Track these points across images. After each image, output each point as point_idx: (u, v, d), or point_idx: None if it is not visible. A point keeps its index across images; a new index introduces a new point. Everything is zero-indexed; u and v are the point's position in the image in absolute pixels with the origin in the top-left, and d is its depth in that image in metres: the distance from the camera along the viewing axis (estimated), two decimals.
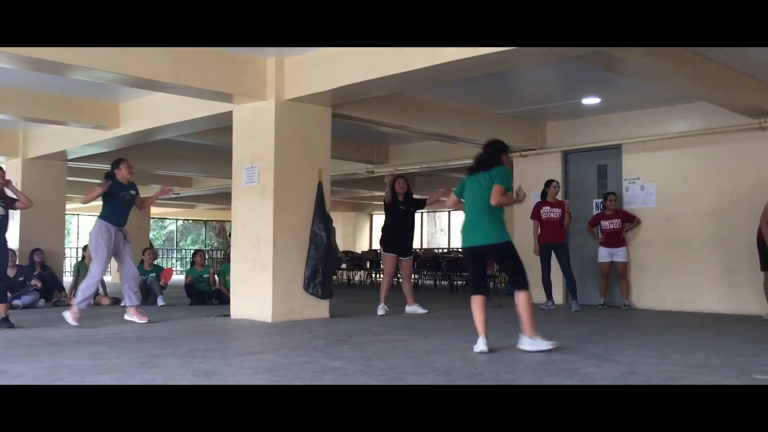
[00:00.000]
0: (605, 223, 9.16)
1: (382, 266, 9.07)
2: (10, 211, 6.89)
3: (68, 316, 6.82)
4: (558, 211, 8.92)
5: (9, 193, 6.82)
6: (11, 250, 9.41)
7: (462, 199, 5.28)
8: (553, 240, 8.88)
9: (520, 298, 5.03)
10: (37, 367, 4.26)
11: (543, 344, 5.00)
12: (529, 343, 5.01)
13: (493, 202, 4.99)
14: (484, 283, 5.40)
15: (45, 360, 4.54)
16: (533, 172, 10.39)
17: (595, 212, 9.61)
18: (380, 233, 8.59)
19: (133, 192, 7.28)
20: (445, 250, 18.57)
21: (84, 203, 7.00)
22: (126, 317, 7.17)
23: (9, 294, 8.86)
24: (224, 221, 27.27)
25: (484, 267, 5.37)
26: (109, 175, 7.27)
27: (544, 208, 8.99)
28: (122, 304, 9.47)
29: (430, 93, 8.81)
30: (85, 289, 6.91)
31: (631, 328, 6.96)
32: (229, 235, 15.11)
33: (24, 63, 6.28)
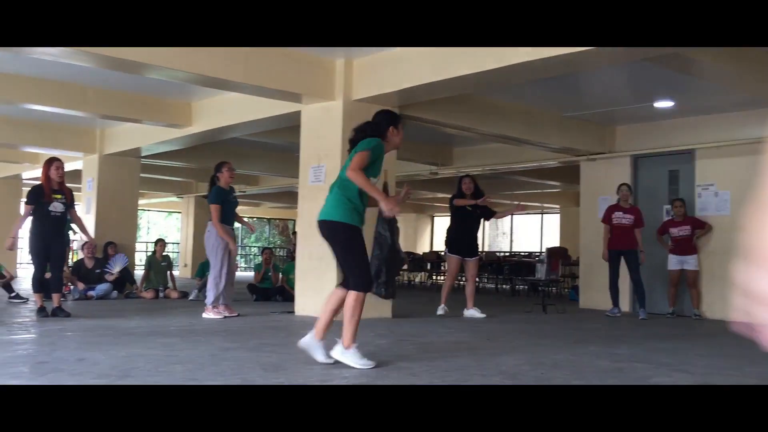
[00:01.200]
0: (674, 231, 8.90)
1: (444, 267, 9.07)
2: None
3: (208, 315, 7.14)
4: (630, 217, 8.71)
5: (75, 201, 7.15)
6: (91, 243, 9.80)
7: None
8: (623, 246, 8.68)
9: (347, 298, 4.30)
10: (113, 355, 4.41)
11: (357, 361, 4.18)
12: (340, 352, 4.23)
13: (348, 172, 4.14)
14: (342, 274, 4.52)
15: (121, 349, 4.70)
16: (601, 176, 10.20)
17: (665, 219, 9.36)
18: (446, 234, 8.57)
19: (236, 194, 7.44)
20: (507, 254, 18.39)
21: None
22: (206, 315, 7.23)
23: (83, 285, 9.24)
24: (287, 219, 27.65)
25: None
26: (213, 180, 7.41)
27: (616, 213, 8.80)
28: (189, 298, 9.74)
29: (497, 94, 8.74)
30: (211, 288, 7.19)
31: (703, 338, 6.74)
32: (293, 234, 15.32)
33: (104, 62, 6.52)
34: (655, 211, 9.61)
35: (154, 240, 11.97)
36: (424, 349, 5.19)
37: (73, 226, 8.05)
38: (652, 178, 9.88)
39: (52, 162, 6.99)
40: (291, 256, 11.76)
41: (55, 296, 6.92)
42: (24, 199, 7.04)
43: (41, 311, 6.81)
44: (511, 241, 22.07)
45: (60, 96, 8.78)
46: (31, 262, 7.09)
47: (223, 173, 7.35)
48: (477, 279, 14.81)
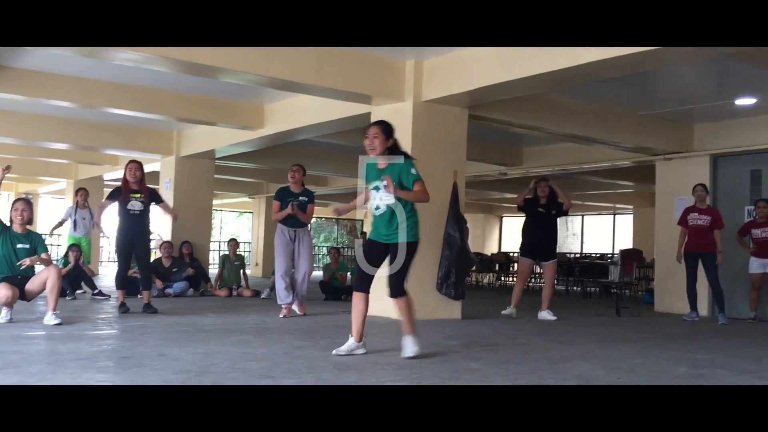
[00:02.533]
0: (756, 232, 8.55)
1: (513, 269, 8.99)
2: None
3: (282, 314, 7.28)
4: (707, 218, 8.43)
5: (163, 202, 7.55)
6: (168, 242, 10.15)
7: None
8: (700, 248, 8.40)
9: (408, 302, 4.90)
10: (192, 351, 4.55)
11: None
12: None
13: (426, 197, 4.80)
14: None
15: (199, 346, 4.85)
16: (678, 176, 9.90)
17: (746, 220, 9.00)
18: (521, 237, 8.48)
19: (303, 198, 7.39)
20: (578, 255, 18.05)
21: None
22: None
23: (161, 282, 9.56)
24: (355, 220, 27.88)
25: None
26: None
27: (691, 214, 8.53)
28: (262, 296, 9.94)
29: (568, 93, 8.60)
30: (273, 287, 7.54)
31: None
32: (361, 234, 15.42)
33: (181, 66, 6.73)
34: (736, 212, 9.27)
35: (228, 239, 12.25)
36: (494, 351, 5.16)
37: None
38: (733, 178, 9.53)
39: (128, 164, 7.39)
40: None
41: (146, 293, 7.31)
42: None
43: (122, 307, 7.10)
44: (582, 242, 21.65)
45: (139, 100, 9.11)
46: (116, 259, 7.45)
47: (288, 176, 7.49)
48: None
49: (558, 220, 8.32)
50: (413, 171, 4.64)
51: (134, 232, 7.19)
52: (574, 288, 14.83)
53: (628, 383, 4.00)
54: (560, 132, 9.29)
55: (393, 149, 4.71)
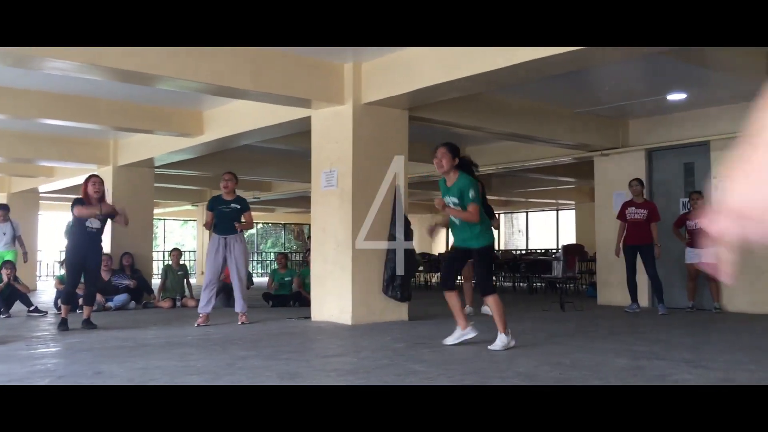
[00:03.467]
0: (690, 224, 8.80)
1: None
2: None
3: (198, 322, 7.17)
4: (644, 211, 8.64)
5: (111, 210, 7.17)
6: (107, 255, 9.88)
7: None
8: (638, 241, 8.61)
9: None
10: (130, 368, 4.42)
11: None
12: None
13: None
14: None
15: (137, 361, 4.71)
16: (615, 171, 10.12)
17: (681, 212, 9.26)
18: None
19: (235, 205, 7.34)
20: (524, 252, 18.30)
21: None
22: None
23: (102, 297, 9.29)
24: (303, 224, 27.70)
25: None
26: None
27: (629, 208, 8.74)
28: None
29: (508, 93, 8.69)
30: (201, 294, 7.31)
31: (723, 333, 6.66)
32: (308, 238, 15.33)
33: (115, 75, 6.55)
34: (672, 204, 9.52)
35: (170, 249, 11.99)
36: (440, 351, 5.16)
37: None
38: (667, 171, 9.79)
39: (89, 179, 7.14)
40: (306, 260, 11.78)
41: (87, 309, 7.06)
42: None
43: (63, 324, 6.84)
44: (527, 238, 21.96)
45: (73, 109, 8.84)
46: (66, 274, 7.24)
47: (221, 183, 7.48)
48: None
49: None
50: (471, 194, 5.20)
51: (88, 249, 6.98)
52: (521, 284, 15.02)
53: (570, 378, 4.04)
54: (501, 131, 9.39)
55: (461, 167, 5.42)
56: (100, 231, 7.09)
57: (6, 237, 9.83)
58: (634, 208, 8.72)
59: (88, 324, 6.94)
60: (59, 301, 7.93)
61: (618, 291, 9.50)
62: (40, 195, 15.99)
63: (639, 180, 8.89)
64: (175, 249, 11.35)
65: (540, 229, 22.14)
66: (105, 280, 9.69)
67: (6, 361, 4.76)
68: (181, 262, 10.94)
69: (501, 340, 5.23)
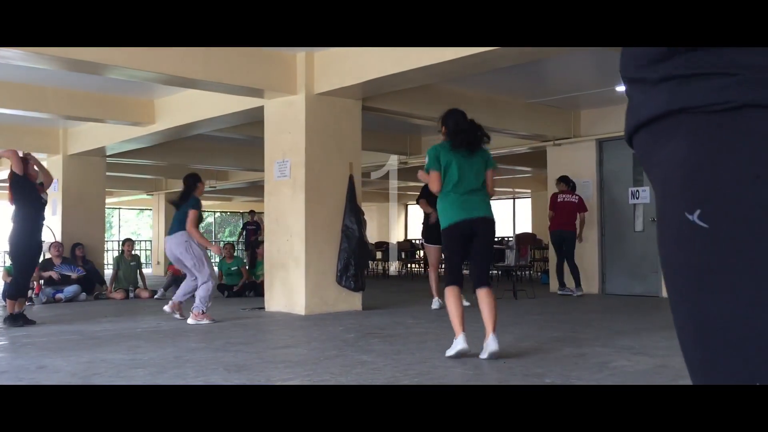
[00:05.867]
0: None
1: (419, 256, 9.09)
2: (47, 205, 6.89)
3: (200, 321, 6.51)
4: (574, 198, 9.30)
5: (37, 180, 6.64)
6: (58, 242, 9.70)
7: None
8: (565, 227, 9.29)
9: (489, 295, 4.63)
10: (75, 362, 4.39)
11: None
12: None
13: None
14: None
15: (83, 354, 4.67)
16: (568, 160, 10.28)
17: (631, 201, 9.50)
18: (422, 225, 8.49)
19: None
20: None
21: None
22: (197, 322, 6.62)
23: (52, 288, 9.13)
24: (261, 212, 27.52)
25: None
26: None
27: (560, 195, 9.39)
28: (156, 297, 9.66)
29: (461, 83, 8.76)
30: (205, 296, 6.62)
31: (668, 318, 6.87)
32: (260, 214, 15.17)
33: (61, 63, 6.44)
34: (622, 193, 9.73)
35: (123, 240, 11.80)
36: (390, 342, 5.23)
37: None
38: (617, 161, 9.99)
39: (26, 155, 6.61)
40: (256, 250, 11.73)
41: (22, 301, 6.66)
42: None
43: (20, 318, 6.41)
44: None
45: (19, 98, 8.64)
46: (16, 263, 6.56)
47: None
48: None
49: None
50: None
51: (40, 232, 6.52)
52: None
53: (513, 367, 4.13)
54: None
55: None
56: (42, 210, 6.59)
57: None
58: (564, 195, 9.38)
59: (21, 318, 6.44)
60: (5, 295, 7.63)
61: (569, 278, 9.69)
62: None
63: (563, 178, 9.45)
64: (128, 240, 11.19)
65: (497, 217, 22.36)
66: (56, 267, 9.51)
67: None
68: (134, 253, 10.80)
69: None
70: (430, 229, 8.34)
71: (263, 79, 7.16)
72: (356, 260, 7.49)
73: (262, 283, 8.50)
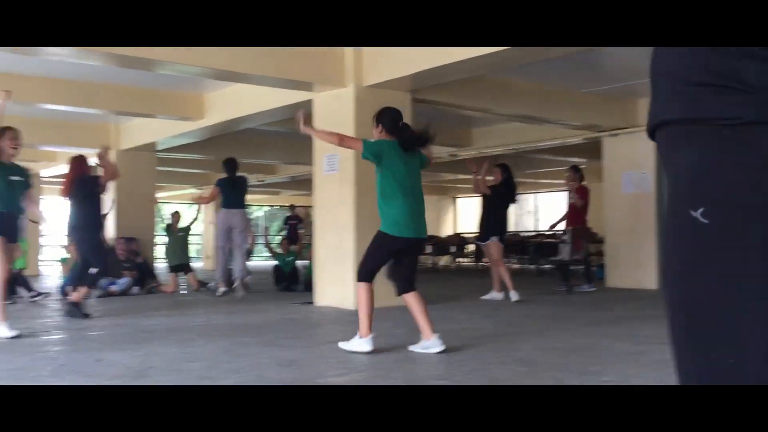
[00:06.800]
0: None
1: (467, 250, 9.12)
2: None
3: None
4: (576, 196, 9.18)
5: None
6: (130, 239, 10.08)
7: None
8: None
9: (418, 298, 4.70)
10: (130, 355, 4.53)
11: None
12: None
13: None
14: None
15: (138, 348, 4.82)
16: (624, 151, 10.12)
17: None
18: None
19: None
20: (533, 233, 18.33)
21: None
22: None
23: (103, 279, 9.39)
24: (309, 207, 27.75)
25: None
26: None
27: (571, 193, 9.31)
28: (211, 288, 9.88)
29: (514, 74, 8.69)
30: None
31: None
32: (289, 220, 15.52)
33: (113, 60, 6.64)
34: None
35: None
36: (442, 338, 5.23)
37: None
38: None
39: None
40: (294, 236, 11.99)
41: (83, 291, 6.84)
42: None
43: (78, 310, 6.68)
44: (537, 220, 21.98)
45: (72, 94, 8.93)
46: (87, 254, 6.93)
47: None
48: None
49: (494, 201, 8.45)
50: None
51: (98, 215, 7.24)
52: (529, 266, 15.08)
53: (568, 363, 4.11)
54: (507, 113, 9.42)
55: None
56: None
57: None
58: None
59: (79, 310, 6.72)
60: (69, 285, 7.94)
61: (626, 273, 9.57)
62: (41, 179, 16.14)
63: (570, 167, 9.39)
64: (176, 212, 11.21)
65: (550, 210, 22.14)
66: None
67: (8, 349, 4.88)
68: (181, 225, 10.89)
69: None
70: (485, 224, 8.39)
71: (312, 72, 7.24)
72: None
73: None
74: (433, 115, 10.39)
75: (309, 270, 9.48)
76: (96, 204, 7.04)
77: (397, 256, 4.60)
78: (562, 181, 19.20)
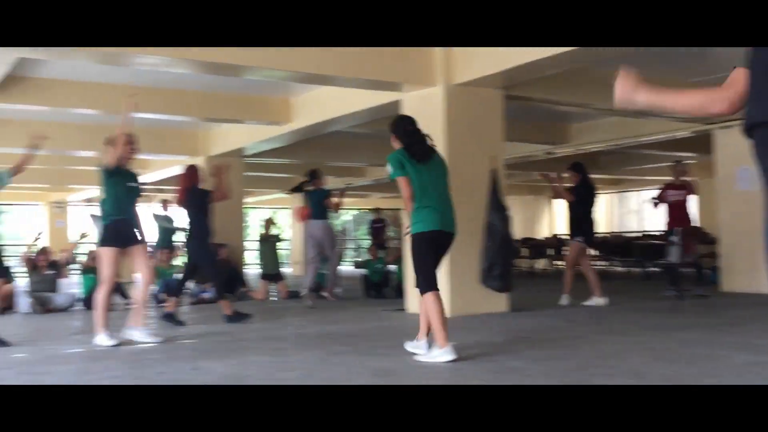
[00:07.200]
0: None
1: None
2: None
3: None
4: (682, 192, 8.90)
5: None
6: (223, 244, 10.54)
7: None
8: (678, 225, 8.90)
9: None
10: (226, 363, 4.71)
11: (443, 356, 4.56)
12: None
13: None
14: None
15: (233, 356, 5.01)
16: (739, 144, 9.67)
17: None
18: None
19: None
20: (638, 234, 17.83)
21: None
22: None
23: (198, 287, 9.77)
24: (397, 209, 27.92)
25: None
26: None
27: (669, 190, 9.05)
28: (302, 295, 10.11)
29: (613, 65, 8.47)
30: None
31: None
32: (373, 224, 15.65)
33: (202, 67, 6.93)
34: None
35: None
36: (541, 346, 5.20)
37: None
38: None
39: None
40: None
41: (177, 300, 7.37)
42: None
43: (172, 318, 7.10)
44: (641, 219, 21.35)
45: (162, 102, 9.35)
46: (198, 263, 7.49)
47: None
48: (604, 263, 14.60)
49: (576, 201, 8.44)
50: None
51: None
52: (634, 269, 14.67)
53: (682, 375, 4.00)
54: (608, 107, 9.20)
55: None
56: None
57: None
58: (673, 190, 9.02)
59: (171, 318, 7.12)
60: (163, 293, 8.38)
61: (744, 276, 9.18)
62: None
63: (677, 162, 9.20)
64: (268, 218, 11.58)
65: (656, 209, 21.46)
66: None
67: (108, 357, 5.16)
68: (272, 232, 11.23)
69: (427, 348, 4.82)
70: (573, 223, 8.36)
71: (400, 72, 7.31)
72: (501, 259, 7.47)
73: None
74: (525, 111, 10.31)
75: (399, 275, 9.56)
76: (207, 214, 7.51)
77: (436, 251, 4.83)
78: (668, 178, 18.68)
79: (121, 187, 5.75)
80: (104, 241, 5.70)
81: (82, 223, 17.61)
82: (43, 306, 8.91)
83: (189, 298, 9.76)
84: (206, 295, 9.86)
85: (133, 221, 5.87)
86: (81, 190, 19.60)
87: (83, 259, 10.48)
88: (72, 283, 10.86)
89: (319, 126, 9.92)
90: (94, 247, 10.05)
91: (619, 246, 14.96)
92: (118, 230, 5.69)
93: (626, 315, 7.23)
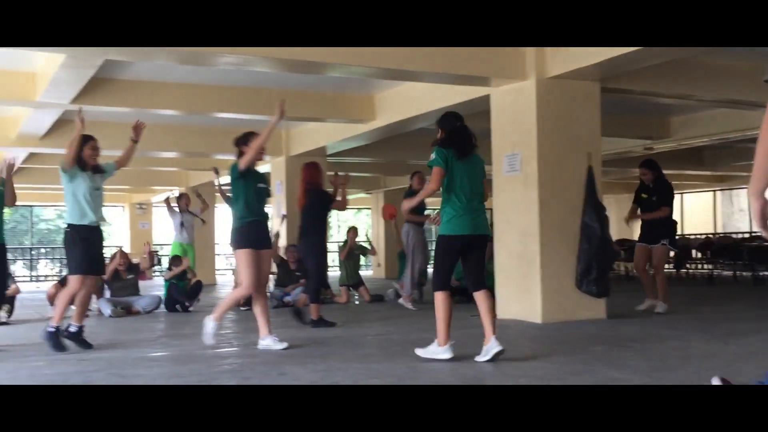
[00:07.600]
0: None
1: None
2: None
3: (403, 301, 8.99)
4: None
5: None
6: (294, 246, 10.72)
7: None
8: None
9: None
10: (312, 369, 4.78)
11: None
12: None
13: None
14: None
15: (318, 362, 5.07)
16: None
17: None
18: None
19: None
20: (747, 235, 17.15)
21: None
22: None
23: (280, 291, 9.93)
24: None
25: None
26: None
27: None
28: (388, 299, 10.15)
29: (720, 54, 8.18)
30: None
31: None
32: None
33: (283, 65, 7.07)
34: None
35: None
36: (645, 356, 5.06)
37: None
38: None
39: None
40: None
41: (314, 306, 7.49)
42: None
43: (322, 322, 7.30)
44: (751, 219, 20.52)
45: (244, 102, 9.58)
46: (312, 266, 7.61)
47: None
48: (710, 266, 14.11)
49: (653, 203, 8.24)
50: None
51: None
52: (744, 273, 14.11)
53: None
54: (712, 98, 8.91)
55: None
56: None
57: (188, 228, 10.88)
58: None
59: (322, 323, 7.32)
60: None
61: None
62: (215, 188, 17.38)
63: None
64: (352, 228, 11.67)
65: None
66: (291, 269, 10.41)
67: (195, 360, 5.32)
68: (359, 243, 11.36)
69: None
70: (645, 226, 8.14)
71: (490, 66, 7.25)
72: (598, 262, 7.31)
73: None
74: (621, 105, 10.05)
75: (490, 279, 9.48)
76: (325, 216, 7.73)
77: (463, 255, 5.00)
78: None
79: (251, 189, 5.95)
80: (239, 243, 5.87)
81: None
82: (125, 310, 9.26)
83: (272, 302, 9.95)
84: (288, 299, 10.03)
85: (264, 223, 6.07)
86: (164, 191, 20.27)
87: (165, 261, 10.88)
88: (155, 285, 11.26)
89: (404, 123, 9.95)
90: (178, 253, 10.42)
91: (725, 248, 14.41)
92: (252, 232, 5.89)
93: (735, 324, 6.96)
